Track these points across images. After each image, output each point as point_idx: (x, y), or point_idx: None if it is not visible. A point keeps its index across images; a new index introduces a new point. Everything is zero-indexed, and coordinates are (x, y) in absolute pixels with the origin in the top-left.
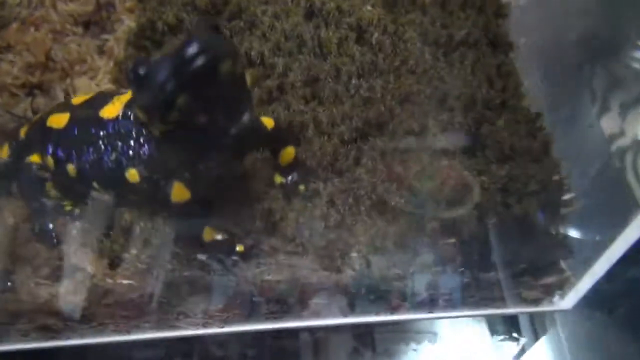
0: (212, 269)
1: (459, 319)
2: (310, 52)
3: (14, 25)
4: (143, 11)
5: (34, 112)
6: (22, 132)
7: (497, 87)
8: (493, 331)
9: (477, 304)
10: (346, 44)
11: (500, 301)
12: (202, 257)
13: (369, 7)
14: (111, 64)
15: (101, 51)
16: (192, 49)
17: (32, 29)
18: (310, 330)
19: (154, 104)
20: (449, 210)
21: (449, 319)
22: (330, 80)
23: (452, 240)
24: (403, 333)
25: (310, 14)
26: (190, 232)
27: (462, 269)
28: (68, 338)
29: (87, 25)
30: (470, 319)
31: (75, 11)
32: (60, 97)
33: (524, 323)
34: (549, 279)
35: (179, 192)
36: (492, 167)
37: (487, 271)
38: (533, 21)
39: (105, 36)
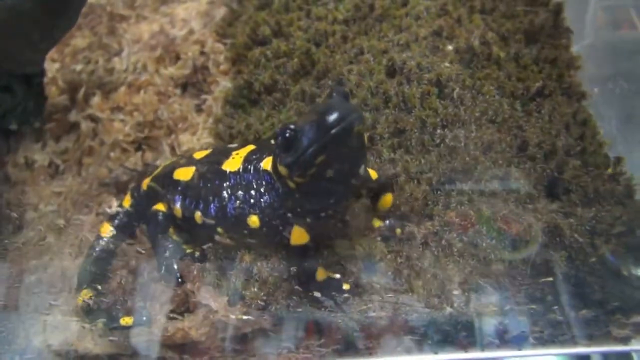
0: (324, 306)
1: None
2: (395, 106)
3: (122, 89)
4: (238, 73)
5: (144, 165)
6: (144, 185)
7: (575, 135)
8: None
9: (566, 342)
10: (429, 98)
11: (588, 339)
12: (317, 294)
13: (447, 64)
14: (210, 120)
15: (199, 109)
16: (333, 117)
17: (141, 92)
18: None
19: (297, 162)
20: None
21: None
22: (415, 131)
23: (549, 279)
24: None
25: (392, 72)
26: (305, 272)
27: (555, 307)
28: None
29: (184, 86)
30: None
31: (174, 74)
32: (167, 151)
33: None
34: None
35: (299, 236)
36: (578, 210)
37: (579, 309)
38: (605, 71)
39: (203, 96)
